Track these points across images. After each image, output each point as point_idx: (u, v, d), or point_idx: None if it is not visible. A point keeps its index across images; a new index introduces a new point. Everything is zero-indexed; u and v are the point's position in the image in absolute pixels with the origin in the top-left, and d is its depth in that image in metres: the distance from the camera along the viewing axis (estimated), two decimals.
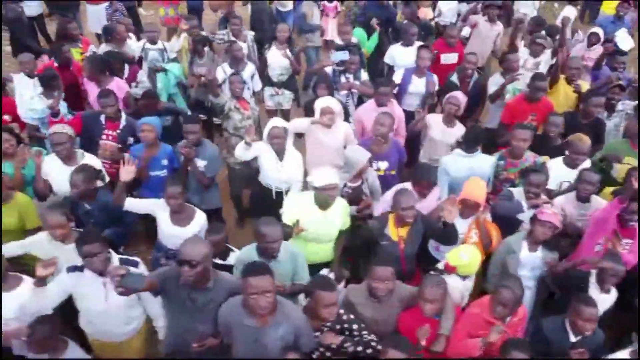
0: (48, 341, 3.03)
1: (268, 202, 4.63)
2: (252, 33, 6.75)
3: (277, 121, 4.56)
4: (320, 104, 4.70)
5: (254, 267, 2.79)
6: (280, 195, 4.62)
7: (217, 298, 2.98)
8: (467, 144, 4.39)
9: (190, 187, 4.65)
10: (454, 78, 5.72)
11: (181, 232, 3.83)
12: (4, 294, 3.17)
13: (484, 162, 4.42)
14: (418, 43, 6.11)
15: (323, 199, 3.80)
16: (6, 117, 5.09)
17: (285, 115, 6.21)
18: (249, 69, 5.77)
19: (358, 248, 4.01)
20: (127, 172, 3.80)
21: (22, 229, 3.89)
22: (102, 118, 4.84)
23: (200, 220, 3.94)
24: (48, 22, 9.05)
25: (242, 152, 4.49)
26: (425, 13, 8.09)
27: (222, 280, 3.03)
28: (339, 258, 4.23)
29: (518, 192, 4.06)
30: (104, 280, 3.21)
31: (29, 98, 5.09)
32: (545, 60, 6.03)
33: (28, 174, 4.32)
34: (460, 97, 4.88)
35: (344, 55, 5.56)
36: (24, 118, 5.23)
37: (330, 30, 8.51)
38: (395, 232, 3.76)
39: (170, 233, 3.91)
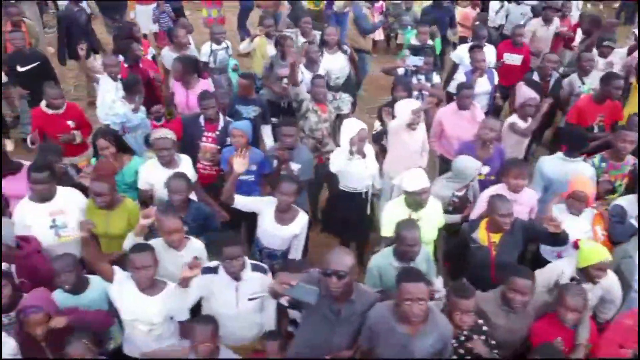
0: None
1: (349, 205, 4.62)
2: (319, 33, 6.69)
3: (359, 123, 4.48)
4: (406, 105, 4.66)
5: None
6: (361, 195, 4.59)
7: (359, 310, 2.94)
8: (570, 148, 4.33)
9: None
10: (535, 77, 5.67)
11: (283, 230, 3.85)
12: (151, 299, 3.15)
13: (585, 170, 4.27)
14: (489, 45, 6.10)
15: (416, 203, 3.78)
16: (70, 123, 5.05)
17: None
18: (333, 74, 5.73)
19: (455, 252, 3.97)
20: (240, 164, 3.74)
21: None
22: (202, 120, 4.82)
23: (302, 221, 3.91)
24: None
25: (343, 162, 4.39)
26: (466, 15, 8.08)
27: (363, 291, 3.00)
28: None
29: (627, 203, 3.96)
30: (237, 284, 3.18)
31: (111, 101, 5.06)
32: (616, 61, 5.99)
33: (128, 179, 4.28)
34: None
35: (419, 61, 5.54)
36: (104, 120, 5.22)
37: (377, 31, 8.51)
38: (485, 237, 3.67)
39: (271, 231, 3.88)
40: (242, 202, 3.95)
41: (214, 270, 3.20)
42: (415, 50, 5.78)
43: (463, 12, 8.25)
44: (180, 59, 5.44)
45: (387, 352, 2.91)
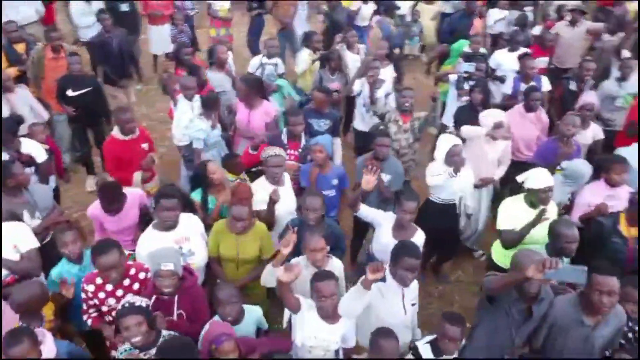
0: None
1: (441, 217, 4.69)
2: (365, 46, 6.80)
3: (454, 138, 4.60)
4: (492, 116, 4.84)
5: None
6: (453, 207, 4.72)
7: (543, 309, 3.06)
8: None
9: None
10: (573, 86, 5.95)
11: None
12: (332, 326, 3.14)
13: None
14: (523, 49, 6.38)
15: (540, 200, 3.91)
16: (144, 146, 4.94)
17: None
18: (385, 86, 5.82)
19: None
20: (369, 181, 3.78)
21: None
22: (284, 138, 4.82)
23: (420, 238, 3.90)
24: None
25: (441, 179, 4.50)
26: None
27: (547, 291, 3.12)
28: None
29: None
30: (403, 291, 3.23)
31: (188, 121, 4.99)
32: None
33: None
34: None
35: (470, 67, 5.75)
36: (179, 141, 5.14)
37: None
38: (627, 231, 3.81)
39: (388, 245, 3.86)
40: (365, 212, 3.99)
41: (382, 279, 3.20)
42: (468, 58, 6.00)
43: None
44: (244, 79, 5.42)
45: (568, 344, 3.04)
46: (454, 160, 4.45)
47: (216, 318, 3.22)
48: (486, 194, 5.05)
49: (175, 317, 3.22)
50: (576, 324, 2.99)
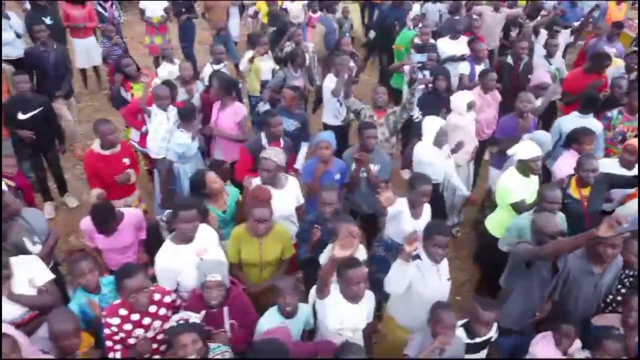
0: None
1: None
2: (312, 45, 6.93)
3: (439, 119, 4.91)
4: (461, 97, 5.27)
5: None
6: (439, 187, 5.03)
7: (562, 263, 3.49)
8: (583, 107, 5.21)
9: (360, 192, 4.85)
10: (509, 60, 6.57)
11: (417, 224, 4.08)
12: (356, 306, 3.23)
13: (595, 124, 5.18)
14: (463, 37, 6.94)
15: (530, 169, 4.30)
16: (125, 161, 4.75)
17: None
18: None
19: None
20: (388, 199, 3.82)
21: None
22: (264, 141, 4.82)
23: (428, 212, 4.20)
24: None
25: (437, 160, 4.78)
26: None
27: None
28: None
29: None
30: (438, 267, 3.46)
31: (167, 132, 4.85)
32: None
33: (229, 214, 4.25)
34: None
35: (423, 58, 6.16)
36: (157, 153, 4.99)
37: None
38: (577, 192, 4.31)
39: (407, 228, 4.05)
40: None
41: (418, 256, 3.40)
42: (419, 49, 6.36)
43: None
44: (217, 77, 5.35)
45: (581, 292, 3.47)
46: (444, 140, 4.76)
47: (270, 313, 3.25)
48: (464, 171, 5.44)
49: (227, 328, 3.18)
50: (587, 274, 3.42)
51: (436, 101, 5.58)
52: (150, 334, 3.14)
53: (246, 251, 3.75)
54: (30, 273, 3.29)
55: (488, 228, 4.53)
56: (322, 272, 3.09)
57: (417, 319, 3.43)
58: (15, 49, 7.30)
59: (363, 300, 3.25)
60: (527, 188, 4.33)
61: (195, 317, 2.91)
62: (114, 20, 8.31)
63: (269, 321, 3.26)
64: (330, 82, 5.85)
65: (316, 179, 4.51)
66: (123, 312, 3.07)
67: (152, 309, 3.18)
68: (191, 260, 3.53)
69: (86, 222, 3.94)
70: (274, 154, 4.19)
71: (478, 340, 3.25)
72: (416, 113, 5.69)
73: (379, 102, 5.30)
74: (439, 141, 4.81)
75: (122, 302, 3.09)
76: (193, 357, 2.81)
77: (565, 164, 4.65)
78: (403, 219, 4.08)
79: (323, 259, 3.65)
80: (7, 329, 2.94)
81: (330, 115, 6.12)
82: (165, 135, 4.86)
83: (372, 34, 8.36)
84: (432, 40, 6.57)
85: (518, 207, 4.25)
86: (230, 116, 5.22)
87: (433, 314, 3.12)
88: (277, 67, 6.43)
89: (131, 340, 3.13)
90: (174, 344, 2.84)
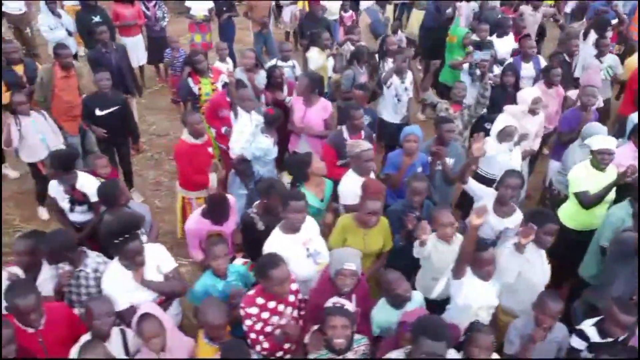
0: None
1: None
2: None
3: (508, 118, 5.02)
4: (528, 93, 5.40)
5: None
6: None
7: None
8: None
9: (435, 185, 4.98)
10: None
11: (498, 222, 4.16)
12: (488, 284, 3.39)
13: None
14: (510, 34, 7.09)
15: (600, 162, 4.36)
16: (210, 150, 4.94)
17: None
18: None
19: None
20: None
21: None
22: (346, 134, 4.94)
23: (518, 217, 4.15)
24: None
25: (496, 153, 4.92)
26: None
27: None
28: None
29: None
30: (541, 252, 3.60)
31: (250, 135, 4.99)
32: None
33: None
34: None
35: (485, 55, 6.32)
36: (237, 152, 5.08)
37: None
38: None
39: (490, 223, 4.19)
40: (472, 186, 4.28)
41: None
42: (479, 46, 6.51)
43: None
44: (307, 75, 5.48)
45: None
46: (507, 139, 4.89)
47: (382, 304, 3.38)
48: (525, 166, 5.58)
49: None
50: None
51: (503, 96, 5.72)
52: (283, 321, 3.24)
53: (351, 241, 3.85)
54: (157, 260, 3.39)
55: (560, 218, 4.54)
56: (464, 249, 3.24)
57: (522, 304, 3.55)
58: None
59: (492, 279, 3.42)
60: (595, 180, 4.37)
61: (350, 305, 3.01)
62: (158, 19, 8.39)
63: (384, 312, 3.39)
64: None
65: (402, 171, 4.63)
66: (260, 300, 3.16)
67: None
68: (298, 250, 3.67)
69: (196, 222, 4.04)
70: (369, 145, 4.33)
71: (609, 340, 3.28)
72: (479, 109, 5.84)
73: (457, 96, 5.44)
74: (504, 139, 4.92)
75: (258, 291, 3.18)
76: (340, 341, 2.91)
77: (621, 156, 4.66)
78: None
79: (416, 250, 3.78)
80: (153, 308, 3.04)
81: (390, 111, 6.20)
82: (249, 138, 4.97)
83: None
84: (488, 37, 6.70)
85: (581, 198, 4.34)
86: (319, 113, 5.35)
87: (540, 300, 3.25)
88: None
89: (268, 329, 3.21)
90: (326, 324, 2.94)
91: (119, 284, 3.24)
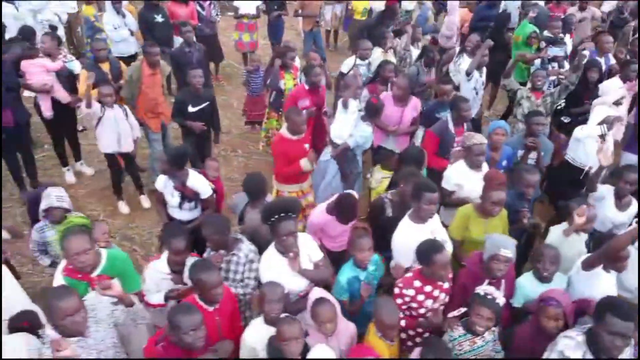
0: None
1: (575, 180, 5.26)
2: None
3: (607, 109, 5.24)
4: (611, 84, 5.61)
5: None
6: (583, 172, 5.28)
7: None
8: None
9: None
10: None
11: (620, 215, 4.35)
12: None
13: None
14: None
15: None
16: (306, 146, 4.95)
17: None
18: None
19: None
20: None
21: None
22: (451, 125, 5.02)
23: (634, 209, 4.34)
24: None
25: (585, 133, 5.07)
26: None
27: None
28: None
29: None
30: None
31: (354, 121, 5.15)
32: None
33: None
34: None
35: (560, 51, 6.49)
36: (337, 137, 5.21)
37: None
38: None
39: (611, 217, 4.34)
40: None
41: None
42: (552, 42, 6.66)
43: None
44: (406, 76, 5.67)
45: None
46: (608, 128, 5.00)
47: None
48: None
49: None
50: None
51: (584, 91, 5.87)
52: (435, 305, 3.37)
53: (474, 229, 3.98)
54: (307, 249, 3.50)
55: None
56: (616, 245, 3.31)
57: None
58: (130, 45, 7.52)
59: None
60: None
61: (500, 297, 3.12)
62: (211, 19, 8.48)
63: (530, 284, 3.54)
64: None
65: (492, 165, 4.73)
66: (417, 283, 3.31)
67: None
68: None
69: (320, 217, 4.14)
70: (481, 139, 4.44)
71: None
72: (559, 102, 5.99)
73: (537, 84, 5.61)
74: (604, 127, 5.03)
75: (415, 274, 3.33)
76: (482, 329, 3.05)
77: None
78: (605, 206, 4.32)
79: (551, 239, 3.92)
80: (325, 293, 3.16)
81: None
82: (353, 123, 5.08)
83: None
84: (561, 35, 6.87)
85: None
86: (411, 112, 5.52)
87: None
88: None
89: (421, 311, 3.36)
90: (473, 310, 3.09)
91: (274, 271, 3.34)
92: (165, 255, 3.50)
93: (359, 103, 5.39)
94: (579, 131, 5.16)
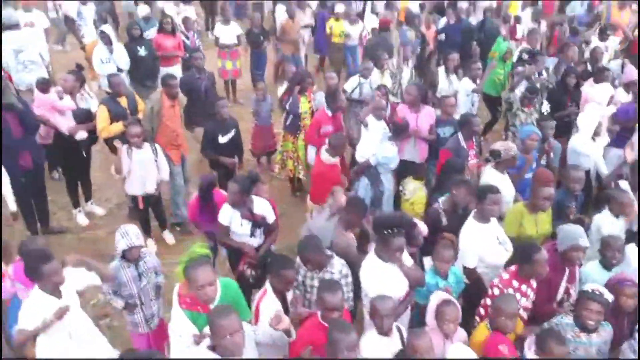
0: None
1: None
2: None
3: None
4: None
5: None
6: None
7: None
8: None
9: None
10: None
11: None
12: None
13: None
14: None
15: None
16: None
17: None
18: None
19: None
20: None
21: None
22: (462, 142, 5.35)
23: None
24: None
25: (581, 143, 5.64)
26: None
27: None
28: None
29: None
30: None
31: (379, 141, 5.40)
32: None
33: None
34: None
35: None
36: (361, 157, 5.48)
37: None
38: None
39: None
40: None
41: None
42: (529, 54, 7.30)
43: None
44: (416, 85, 6.00)
45: None
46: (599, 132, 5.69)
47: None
48: None
49: None
50: None
51: (564, 95, 6.52)
52: (528, 304, 3.67)
53: (527, 225, 4.33)
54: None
55: None
56: None
57: None
58: None
59: None
60: None
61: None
62: (196, 48, 8.48)
63: (597, 272, 3.88)
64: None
65: (525, 169, 5.14)
66: (515, 283, 3.60)
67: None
68: (492, 238, 4.10)
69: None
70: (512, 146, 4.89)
71: None
72: (545, 107, 6.60)
73: (524, 102, 6.25)
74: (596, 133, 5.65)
75: (512, 274, 3.61)
76: (592, 322, 3.31)
77: None
78: None
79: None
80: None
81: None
82: (377, 142, 5.32)
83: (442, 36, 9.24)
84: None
85: None
86: (426, 118, 5.82)
87: None
88: None
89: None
90: (581, 305, 3.35)
91: (377, 278, 3.48)
92: (269, 288, 3.49)
93: (382, 123, 5.66)
94: (576, 142, 5.69)
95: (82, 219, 6.04)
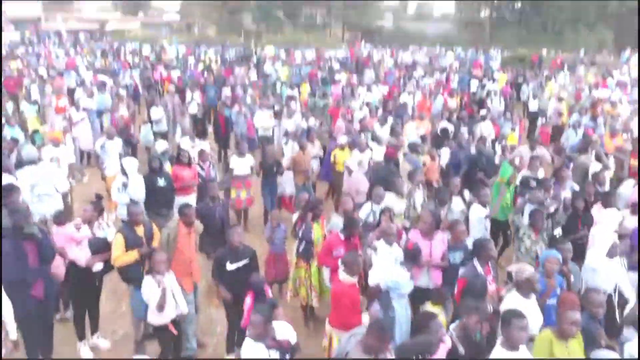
0: None
1: None
2: None
3: None
4: None
5: None
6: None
7: None
8: None
9: None
10: None
11: None
12: None
13: None
14: None
15: None
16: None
17: None
18: None
19: None
20: None
21: None
22: (479, 268, 5.27)
23: None
24: None
25: None
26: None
27: None
28: None
29: None
30: None
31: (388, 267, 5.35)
32: None
33: None
34: None
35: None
36: (371, 282, 5.43)
37: None
38: None
39: None
40: None
41: None
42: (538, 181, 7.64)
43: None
44: (432, 212, 6.11)
45: None
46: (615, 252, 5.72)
47: None
48: None
49: None
50: None
51: (575, 218, 6.62)
52: None
53: (557, 353, 4.11)
54: None
55: None
56: None
57: None
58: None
59: None
60: None
61: None
62: (210, 178, 8.80)
63: None
64: None
65: (548, 293, 5.05)
66: None
67: None
68: None
69: None
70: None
71: None
72: (557, 231, 6.63)
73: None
74: (612, 252, 5.65)
75: None
76: None
77: None
78: None
79: None
80: None
81: None
82: (388, 267, 5.28)
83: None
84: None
85: None
86: (440, 246, 5.88)
87: None
88: None
89: None
90: None
91: None
92: None
93: (395, 248, 5.69)
94: (592, 258, 5.68)
95: (85, 353, 5.78)
